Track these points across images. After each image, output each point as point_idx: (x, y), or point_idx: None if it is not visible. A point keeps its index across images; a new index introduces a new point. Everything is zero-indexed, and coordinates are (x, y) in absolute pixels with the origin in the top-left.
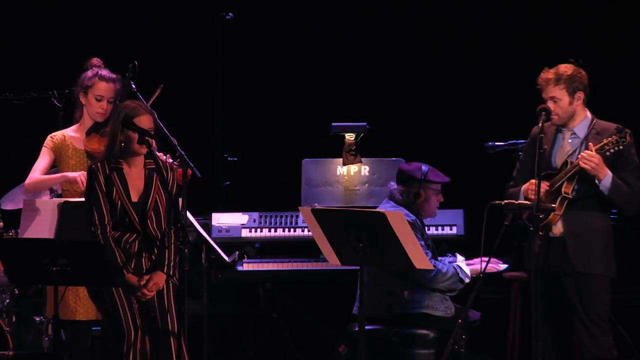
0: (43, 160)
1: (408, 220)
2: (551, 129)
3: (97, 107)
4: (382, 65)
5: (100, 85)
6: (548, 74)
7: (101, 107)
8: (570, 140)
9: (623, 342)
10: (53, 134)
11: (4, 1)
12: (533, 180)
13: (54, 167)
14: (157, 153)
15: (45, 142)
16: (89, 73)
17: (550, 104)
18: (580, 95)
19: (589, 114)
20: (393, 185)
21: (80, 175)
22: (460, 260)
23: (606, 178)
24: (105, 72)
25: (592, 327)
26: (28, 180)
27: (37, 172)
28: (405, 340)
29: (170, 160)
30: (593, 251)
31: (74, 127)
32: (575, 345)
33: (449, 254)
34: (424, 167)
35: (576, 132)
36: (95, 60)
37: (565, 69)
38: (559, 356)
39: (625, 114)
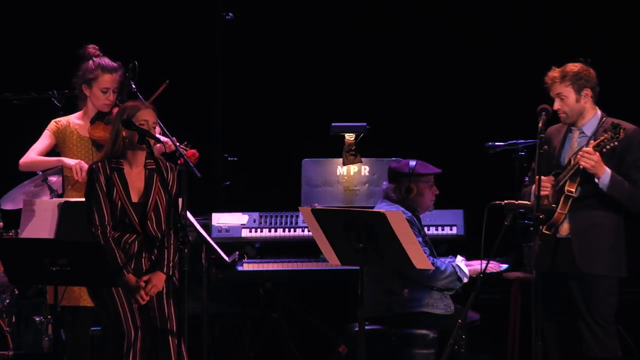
0: (42, 142)
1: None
2: (563, 129)
3: (104, 99)
4: (382, 65)
5: (104, 78)
6: (554, 72)
7: (107, 98)
8: (578, 139)
9: (623, 342)
10: (58, 119)
11: (4, 1)
12: (543, 178)
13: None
14: (164, 138)
15: (48, 126)
16: (90, 65)
17: (557, 102)
18: (587, 92)
19: (598, 112)
20: (385, 184)
21: (77, 164)
22: (459, 260)
23: (605, 175)
24: (106, 62)
25: (596, 328)
26: (23, 159)
27: (34, 152)
28: (405, 340)
29: (168, 140)
30: (598, 252)
31: (78, 114)
32: (580, 345)
33: (450, 256)
34: (412, 162)
35: (584, 131)
36: (92, 49)
37: (572, 66)
38: (564, 356)
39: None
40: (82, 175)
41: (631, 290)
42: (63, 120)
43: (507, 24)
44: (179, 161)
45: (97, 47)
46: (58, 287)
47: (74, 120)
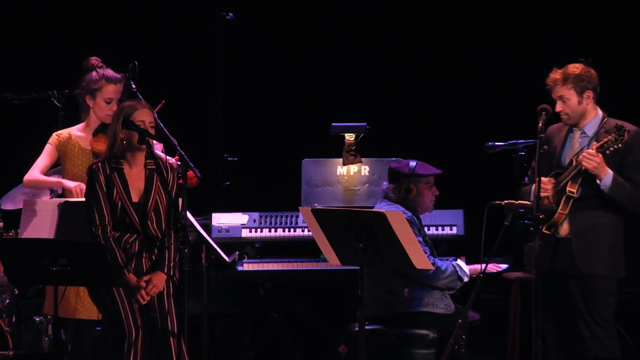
0: (45, 158)
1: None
2: (564, 129)
3: (107, 109)
4: (382, 65)
5: (108, 88)
6: (556, 74)
7: (111, 109)
8: (580, 140)
9: (623, 342)
10: (59, 131)
11: (4, 1)
12: (543, 179)
13: (57, 166)
14: (162, 154)
15: (50, 139)
16: (94, 75)
17: (559, 104)
18: (589, 94)
19: (600, 113)
20: (385, 184)
21: (76, 186)
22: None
23: (606, 177)
24: (110, 73)
25: (595, 328)
26: (27, 177)
27: (37, 169)
28: (405, 340)
29: (174, 161)
30: (598, 252)
31: (79, 126)
32: (580, 345)
33: (452, 258)
34: (412, 163)
35: (586, 131)
36: (95, 60)
37: (574, 68)
38: (563, 356)
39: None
40: (82, 196)
41: (631, 290)
42: (64, 132)
43: (507, 23)
44: (178, 161)
45: (99, 59)
46: (56, 299)
47: (76, 132)
